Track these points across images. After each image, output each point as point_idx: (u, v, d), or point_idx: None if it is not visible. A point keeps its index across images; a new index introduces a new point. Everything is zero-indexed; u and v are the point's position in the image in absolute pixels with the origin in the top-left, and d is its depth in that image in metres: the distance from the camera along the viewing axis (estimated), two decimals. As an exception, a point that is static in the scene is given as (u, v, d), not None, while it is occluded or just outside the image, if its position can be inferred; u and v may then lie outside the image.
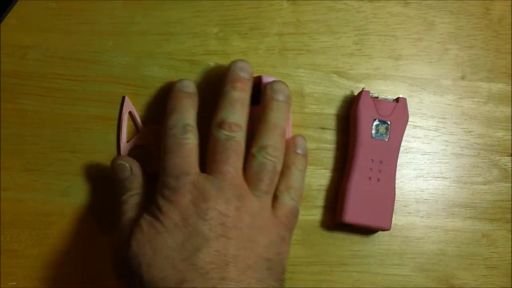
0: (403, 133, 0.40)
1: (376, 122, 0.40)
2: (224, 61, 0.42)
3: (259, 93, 0.39)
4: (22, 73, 0.41)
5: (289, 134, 0.40)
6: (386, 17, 0.43)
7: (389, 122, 0.40)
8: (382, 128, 0.40)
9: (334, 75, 0.42)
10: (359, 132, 0.40)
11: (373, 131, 0.40)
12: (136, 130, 0.41)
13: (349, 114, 0.42)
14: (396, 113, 0.40)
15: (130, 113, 0.41)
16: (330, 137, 0.42)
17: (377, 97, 0.40)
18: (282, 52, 0.42)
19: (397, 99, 0.40)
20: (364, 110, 0.40)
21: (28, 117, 0.40)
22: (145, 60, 0.41)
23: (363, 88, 0.40)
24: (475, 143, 0.43)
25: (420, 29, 0.43)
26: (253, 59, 0.42)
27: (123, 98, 0.41)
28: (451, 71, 0.43)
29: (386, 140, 0.40)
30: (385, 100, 0.40)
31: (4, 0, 0.40)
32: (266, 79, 0.39)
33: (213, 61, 0.42)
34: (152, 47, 0.41)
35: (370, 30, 0.43)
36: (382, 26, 0.43)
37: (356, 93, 0.42)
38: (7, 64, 0.40)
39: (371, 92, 0.40)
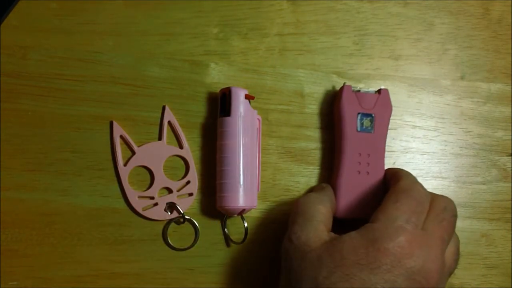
0: (388, 124, 0.40)
1: (360, 116, 0.40)
2: (224, 61, 0.42)
3: (229, 104, 0.39)
4: (22, 73, 0.40)
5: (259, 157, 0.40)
6: (386, 18, 0.43)
7: (373, 115, 0.40)
8: (366, 121, 0.40)
9: (334, 75, 0.42)
10: (344, 127, 0.39)
11: (358, 125, 0.39)
12: (131, 152, 0.41)
13: (332, 110, 0.42)
14: (379, 105, 0.40)
15: (121, 136, 0.41)
16: (329, 137, 0.42)
17: (359, 91, 0.40)
18: (282, 52, 0.42)
19: (379, 91, 0.40)
20: (348, 105, 0.39)
21: (28, 117, 0.40)
22: (145, 60, 0.41)
23: (344, 82, 0.40)
24: (474, 143, 0.43)
25: (419, 30, 0.43)
26: (253, 59, 0.42)
27: (111, 123, 0.40)
28: (451, 71, 0.43)
29: (372, 132, 0.40)
30: (367, 93, 0.40)
31: (5, 0, 0.40)
32: (236, 90, 0.39)
33: (213, 61, 0.42)
34: (153, 47, 0.41)
35: (370, 31, 0.43)
36: (382, 26, 0.43)
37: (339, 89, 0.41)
38: (7, 64, 0.40)
39: (352, 86, 0.40)
